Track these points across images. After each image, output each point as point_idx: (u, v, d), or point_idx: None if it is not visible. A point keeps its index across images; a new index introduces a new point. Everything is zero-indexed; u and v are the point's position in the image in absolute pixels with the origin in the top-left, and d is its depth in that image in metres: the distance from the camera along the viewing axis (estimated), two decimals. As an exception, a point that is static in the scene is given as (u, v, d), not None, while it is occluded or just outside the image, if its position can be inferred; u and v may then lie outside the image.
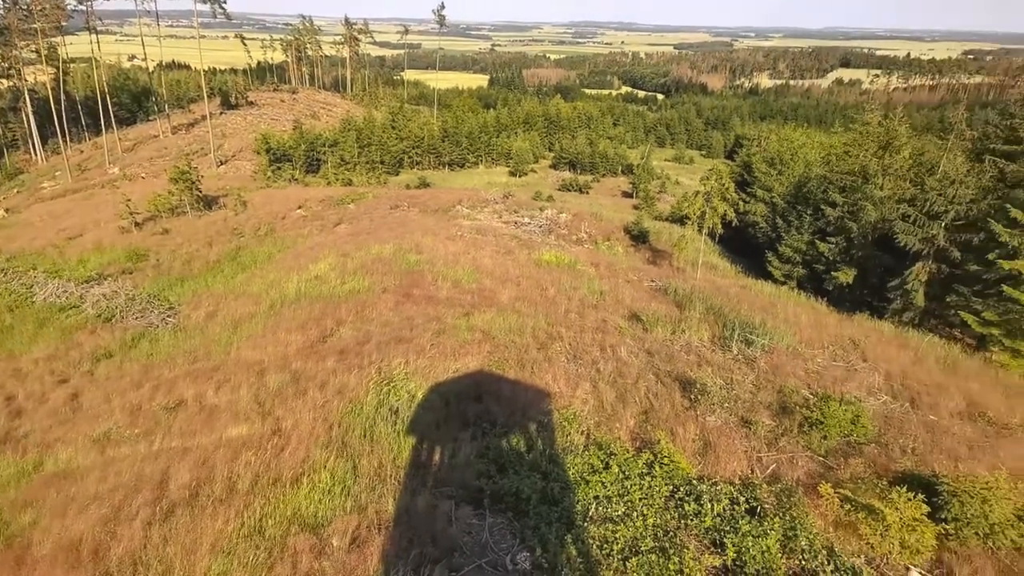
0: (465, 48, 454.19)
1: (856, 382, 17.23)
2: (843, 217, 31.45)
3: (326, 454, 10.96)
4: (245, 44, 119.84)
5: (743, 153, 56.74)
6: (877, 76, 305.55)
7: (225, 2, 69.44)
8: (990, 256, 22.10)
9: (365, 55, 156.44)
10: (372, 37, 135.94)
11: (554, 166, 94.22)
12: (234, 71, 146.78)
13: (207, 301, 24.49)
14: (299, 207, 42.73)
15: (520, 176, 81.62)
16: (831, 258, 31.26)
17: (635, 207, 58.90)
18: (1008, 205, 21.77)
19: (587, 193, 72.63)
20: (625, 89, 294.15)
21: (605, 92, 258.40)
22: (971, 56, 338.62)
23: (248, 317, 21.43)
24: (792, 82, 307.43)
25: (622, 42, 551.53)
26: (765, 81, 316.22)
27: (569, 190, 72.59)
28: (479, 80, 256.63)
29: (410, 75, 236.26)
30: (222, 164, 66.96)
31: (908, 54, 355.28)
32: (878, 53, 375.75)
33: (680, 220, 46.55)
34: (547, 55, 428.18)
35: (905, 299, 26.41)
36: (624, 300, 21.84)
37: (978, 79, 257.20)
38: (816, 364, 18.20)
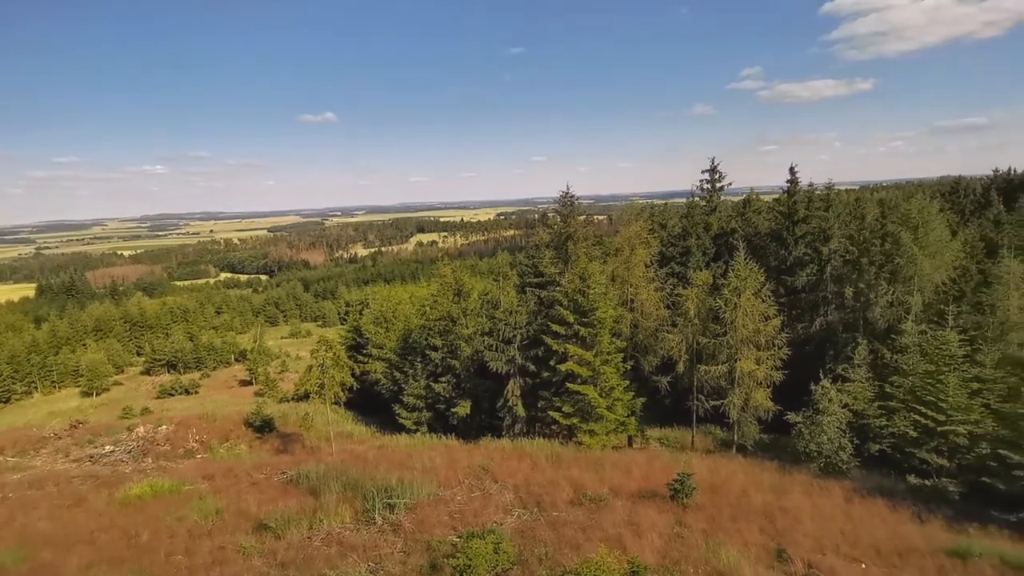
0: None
1: (493, 506, 18.32)
2: (446, 357, 35.29)
3: None
4: None
5: (351, 318, 59.61)
6: (447, 236, 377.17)
7: None
8: (552, 363, 27.65)
9: None
10: None
11: (148, 371, 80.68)
12: None
13: None
14: None
15: (99, 394, 66.50)
16: (447, 395, 34.28)
17: (256, 394, 54.35)
18: (549, 322, 28.00)
19: (196, 393, 63.91)
20: (224, 275, 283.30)
21: (201, 282, 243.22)
22: (502, 216, 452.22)
23: None
24: (384, 248, 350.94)
25: (211, 231, 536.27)
26: (361, 250, 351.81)
27: (172, 395, 62.57)
28: (22, 291, 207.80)
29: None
30: None
31: (462, 219, 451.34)
32: (442, 220, 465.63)
33: (305, 396, 44.76)
34: (120, 252, 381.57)
35: (511, 414, 30.58)
36: (249, 510, 18.69)
37: (511, 232, 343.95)
38: (457, 503, 18.72)
